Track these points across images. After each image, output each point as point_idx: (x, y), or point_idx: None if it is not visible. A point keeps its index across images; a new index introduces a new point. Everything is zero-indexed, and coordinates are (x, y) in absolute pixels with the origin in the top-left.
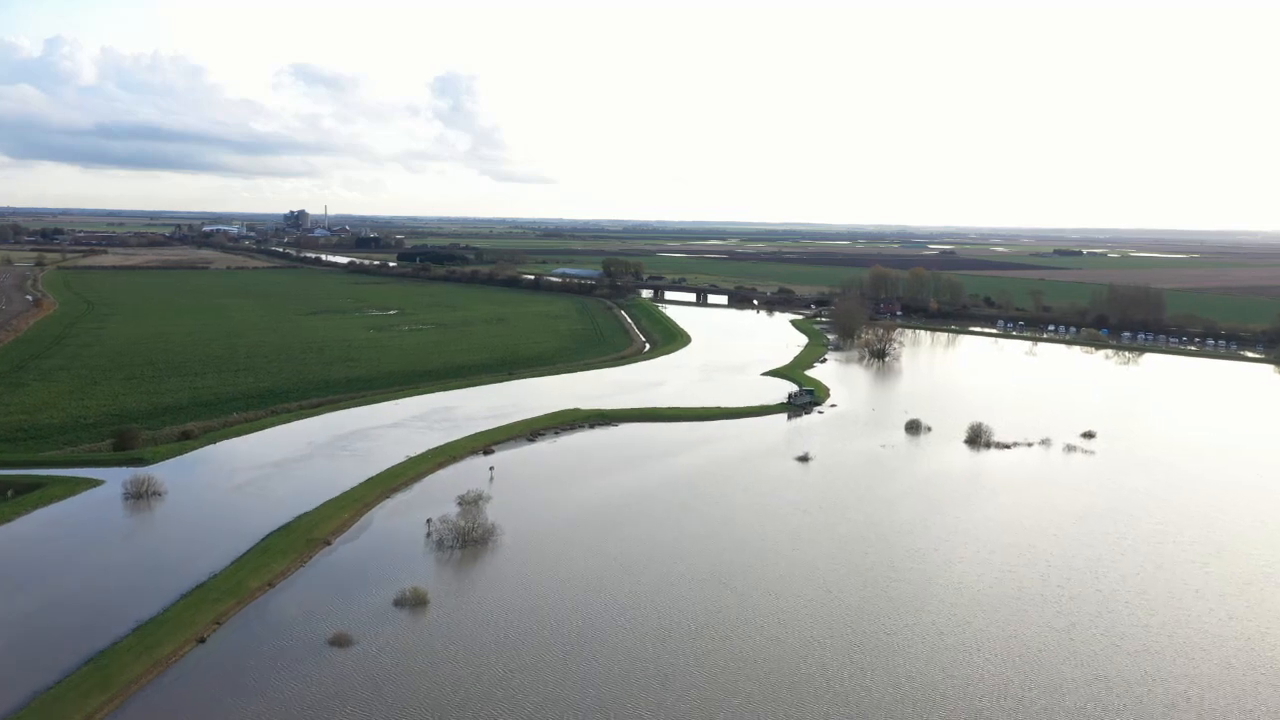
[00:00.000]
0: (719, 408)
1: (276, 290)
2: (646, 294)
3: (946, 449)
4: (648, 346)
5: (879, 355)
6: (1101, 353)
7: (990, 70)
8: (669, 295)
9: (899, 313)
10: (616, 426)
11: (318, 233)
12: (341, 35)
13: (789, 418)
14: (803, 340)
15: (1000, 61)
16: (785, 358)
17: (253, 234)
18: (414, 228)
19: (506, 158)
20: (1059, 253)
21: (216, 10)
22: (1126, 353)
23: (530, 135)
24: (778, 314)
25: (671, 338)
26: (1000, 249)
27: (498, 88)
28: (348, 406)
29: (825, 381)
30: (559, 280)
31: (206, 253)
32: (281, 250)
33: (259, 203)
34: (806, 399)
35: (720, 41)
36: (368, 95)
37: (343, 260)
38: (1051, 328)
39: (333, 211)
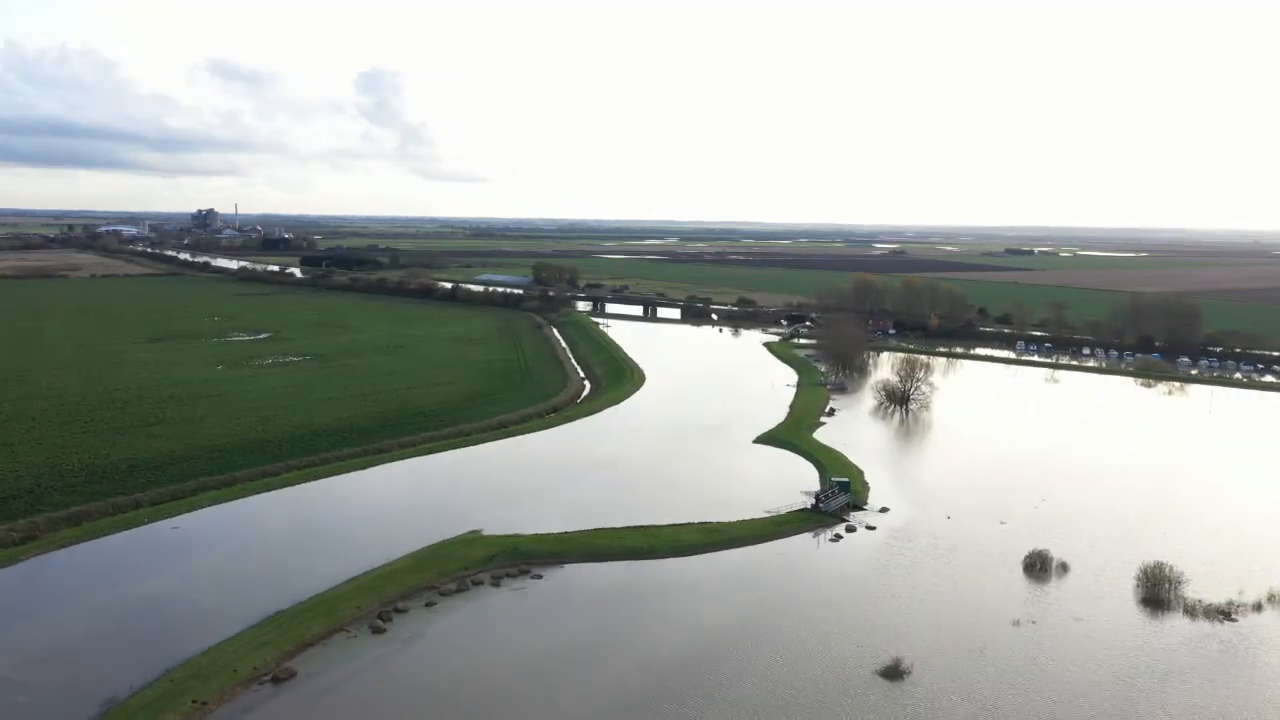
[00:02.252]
0: (707, 525)
1: (133, 304)
2: (584, 307)
3: (1116, 621)
4: (588, 387)
5: (901, 401)
6: (1163, 386)
7: (923, 72)
8: (610, 308)
9: (892, 330)
10: (540, 579)
11: (226, 233)
12: (259, 29)
13: (819, 537)
14: (789, 374)
15: (935, 64)
16: (776, 405)
17: (152, 235)
18: (338, 227)
19: (436, 155)
20: (1011, 252)
21: (127, 3)
22: (1209, 387)
23: (459, 132)
24: (744, 332)
25: (619, 373)
26: (948, 248)
27: (423, 84)
28: (83, 535)
29: (842, 449)
30: (481, 290)
31: (83, 257)
32: (173, 254)
33: (181, 202)
34: (841, 501)
35: (648, 36)
36: (288, 91)
37: (234, 265)
38: (1086, 351)
39: (260, 211)
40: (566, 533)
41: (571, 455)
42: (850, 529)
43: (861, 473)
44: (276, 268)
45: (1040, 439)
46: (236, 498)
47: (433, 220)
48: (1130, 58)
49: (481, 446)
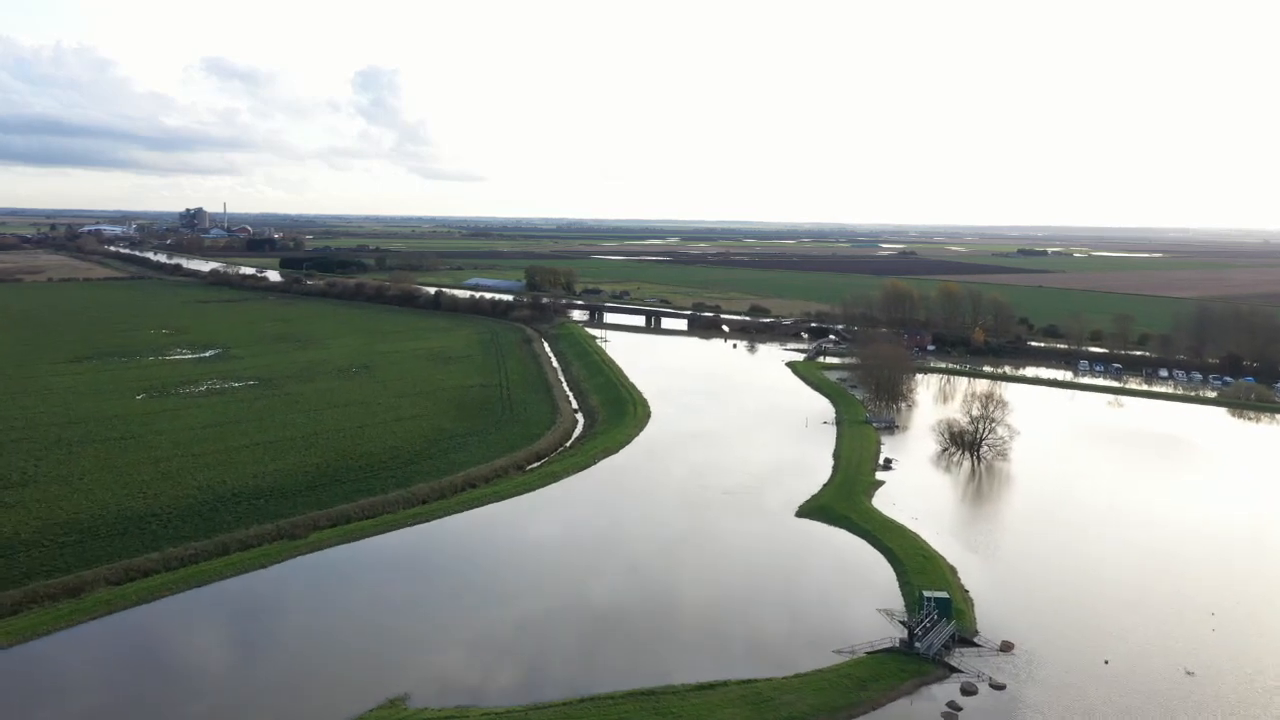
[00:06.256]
0: (752, 687)
1: (78, 313)
2: (581, 315)
3: None
4: (580, 422)
5: (970, 446)
6: (1253, 415)
7: (923, 74)
8: (610, 317)
9: (930, 347)
10: None
11: (213, 233)
12: (254, 28)
13: (923, 706)
14: (823, 406)
15: (935, 65)
16: (816, 452)
17: (135, 235)
18: (334, 227)
19: (434, 154)
20: (1024, 252)
21: (123, 1)
22: None
23: (458, 131)
24: (761, 347)
25: (619, 405)
26: (956, 249)
27: (421, 82)
28: None
29: (913, 524)
30: (468, 297)
31: (52, 259)
32: (151, 255)
33: (180, 201)
34: (944, 633)
35: (647, 35)
36: (285, 90)
37: (208, 268)
38: (1164, 373)
39: (259, 210)
40: (536, 707)
41: (551, 547)
42: (968, 690)
43: (954, 571)
44: (252, 270)
45: (1162, 502)
46: (69, 622)
47: (430, 220)
48: (1132, 55)
49: (432, 525)
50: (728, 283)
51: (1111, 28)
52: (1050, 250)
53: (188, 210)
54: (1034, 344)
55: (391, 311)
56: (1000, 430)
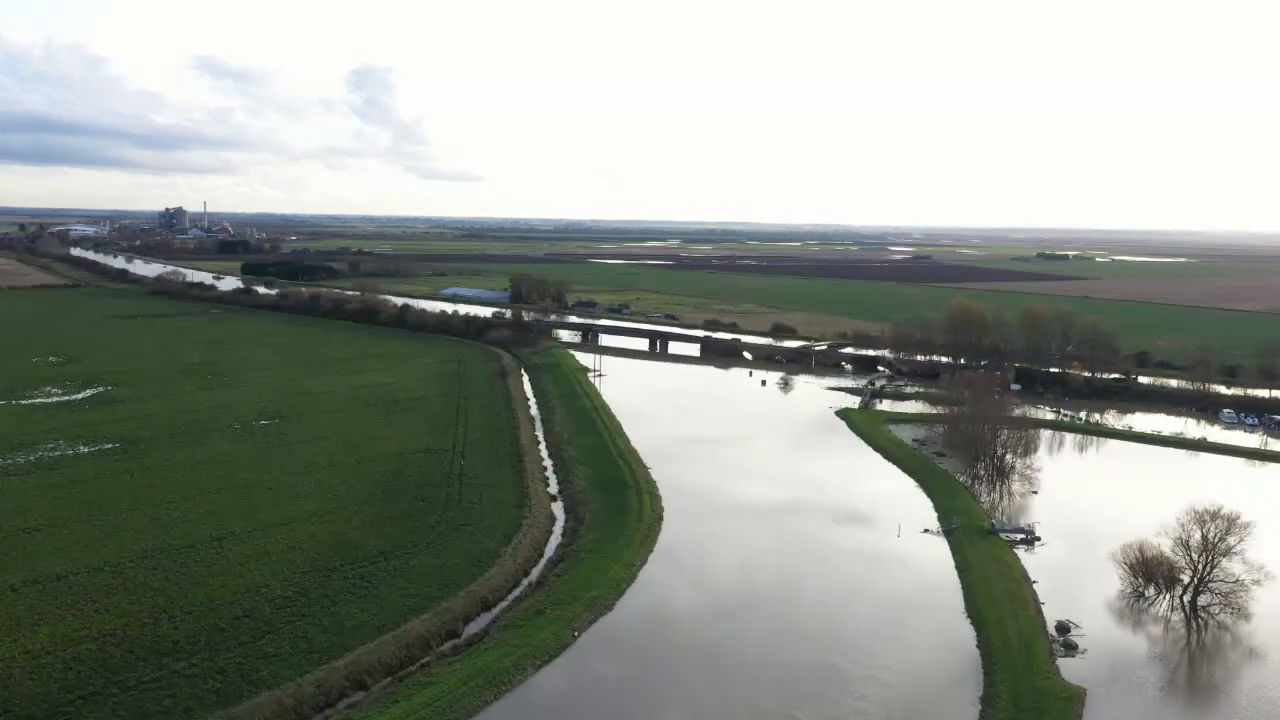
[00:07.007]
0: None
1: None
2: (577, 320)
3: None
4: (560, 521)
5: (1187, 591)
6: None
7: (922, 74)
8: (605, 337)
9: (1015, 385)
10: None
11: (191, 233)
12: (246, 26)
13: None
14: (911, 493)
15: (935, 65)
16: (931, 600)
17: (105, 236)
18: (326, 226)
19: (430, 153)
20: (1043, 256)
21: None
22: None
23: (454, 130)
24: (795, 381)
25: (616, 493)
26: (967, 251)
27: (415, 80)
28: None
29: None
30: (436, 315)
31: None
32: (110, 257)
33: (176, 199)
34: None
35: (648, 35)
36: (278, 89)
37: (155, 273)
38: None
39: (255, 210)
40: None
41: None
42: None
43: None
44: (205, 278)
45: None
46: None
47: (427, 220)
48: (1131, 54)
49: None
50: (741, 292)
51: (1109, 28)
52: (1070, 254)
53: (167, 210)
54: (1141, 377)
55: (347, 330)
56: (1232, 565)
